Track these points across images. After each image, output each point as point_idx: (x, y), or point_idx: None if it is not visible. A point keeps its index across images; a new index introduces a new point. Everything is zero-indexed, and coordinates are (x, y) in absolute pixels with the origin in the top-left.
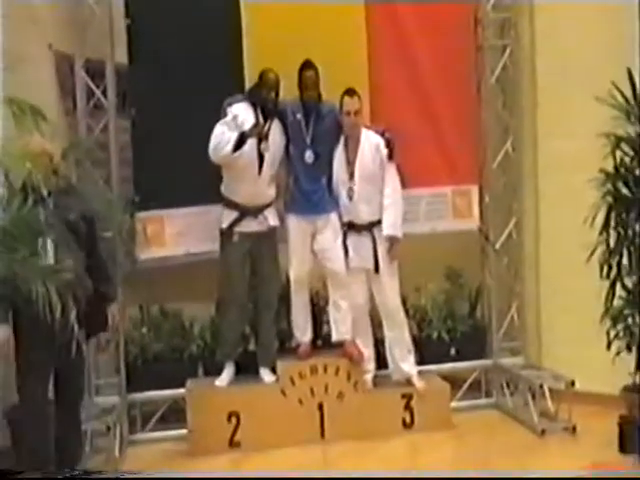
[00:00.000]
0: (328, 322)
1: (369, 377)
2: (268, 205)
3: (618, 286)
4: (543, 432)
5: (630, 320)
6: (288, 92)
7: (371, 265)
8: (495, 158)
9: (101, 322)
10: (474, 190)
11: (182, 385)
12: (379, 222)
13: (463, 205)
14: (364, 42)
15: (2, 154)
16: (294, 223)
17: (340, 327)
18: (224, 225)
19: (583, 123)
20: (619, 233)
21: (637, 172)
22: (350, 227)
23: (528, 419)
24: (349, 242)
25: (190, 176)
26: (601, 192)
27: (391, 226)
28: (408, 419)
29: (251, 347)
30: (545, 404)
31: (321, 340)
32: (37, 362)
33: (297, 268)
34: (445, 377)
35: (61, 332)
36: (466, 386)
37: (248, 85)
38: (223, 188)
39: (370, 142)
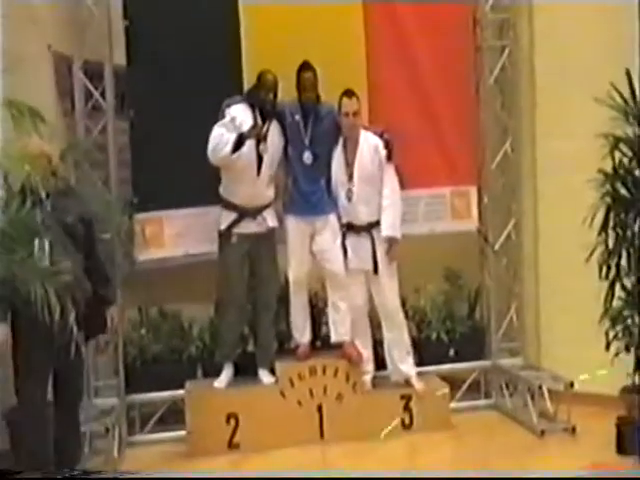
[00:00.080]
0: (327, 323)
1: (368, 378)
2: (267, 206)
3: (617, 287)
4: (542, 433)
5: (629, 321)
6: (286, 93)
7: (370, 266)
8: (494, 159)
9: (100, 324)
10: (473, 191)
11: (181, 386)
12: (378, 223)
13: (462, 206)
14: (362, 43)
15: (1, 156)
16: (293, 224)
17: (339, 328)
18: (223, 226)
19: (582, 124)
20: (618, 234)
21: (636, 173)
22: (349, 228)
23: (527, 420)
24: (348, 243)
25: (189, 177)
26: (600, 193)
27: (390, 227)
28: (407, 420)
29: (250, 348)
30: (544, 405)
31: (320, 341)
32: (36, 363)
33: (296, 269)
34: (444, 378)
35: (60, 333)
36: (465, 387)
37: (246, 86)
38: (222, 189)
39: (369, 143)
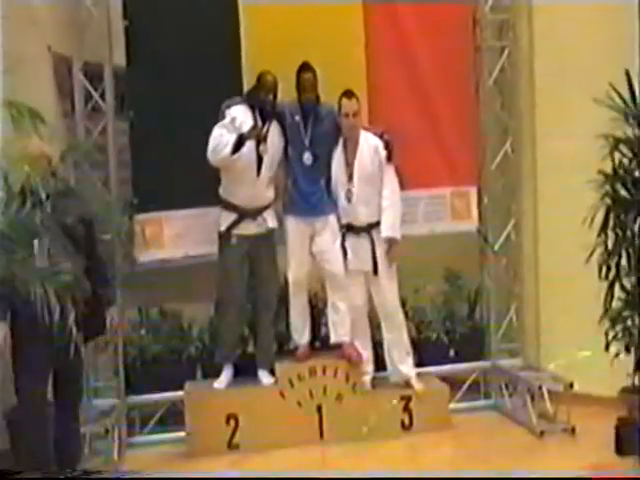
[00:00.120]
0: (327, 324)
1: (368, 379)
2: (267, 207)
3: (617, 287)
4: (542, 433)
5: (629, 321)
6: (286, 94)
7: (370, 267)
8: (494, 159)
9: (99, 325)
10: (473, 191)
11: (181, 387)
12: (378, 224)
13: (462, 206)
14: (362, 43)
15: (1, 157)
16: (293, 225)
17: (339, 329)
18: (222, 227)
19: (582, 124)
20: (617, 234)
21: (635, 174)
22: (349, 229)
23: (527, 420)
24: (348, 244)
25: (189, 178)
26: (600, 193)
27: (390, 228)
28: (407, 421)
29: (250, 349)
30: (544, 405)
31: (320, 342)
32: (35, 363)
33: (296, 270)
34: (444, 378)
35: (59, 334)
36: (465, 387)
37: (246, 87)
38: (221, 190)
39: (369, 144)
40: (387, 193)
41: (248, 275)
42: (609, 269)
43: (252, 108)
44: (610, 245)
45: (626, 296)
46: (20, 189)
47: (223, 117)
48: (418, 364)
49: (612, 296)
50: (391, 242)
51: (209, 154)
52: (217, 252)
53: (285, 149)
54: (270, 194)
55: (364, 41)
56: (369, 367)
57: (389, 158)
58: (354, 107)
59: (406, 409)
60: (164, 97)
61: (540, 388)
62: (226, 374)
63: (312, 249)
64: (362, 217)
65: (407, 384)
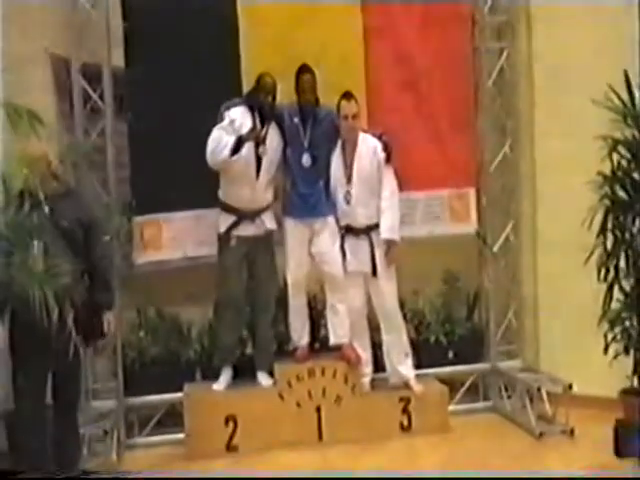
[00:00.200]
0: (326, 325)
1: (367, 380)
2: (265, 209)
3: (616, 289)
4: (541, 435)
5: (627, 323)
6: (285, 96)
7: (369, 268)
8: (492, 161)
9: (97, 330)
10: (471, 193)
11: (179, 389)
12: (376, 225)
13: (461, 208)
14: (361, 45)
15: (0, 158)
16: (291, 226)
17: (338, 330)
18: (221, 229)
19: (580, 126)
20: (616, 236)
21: (634, 175)
22: (347, 230)
23: (526, 422)
24: (347, 245)
25: (187, 180)
26: (598, 195)
27: (389, 229)
28: (406, 422)
29: (248, 351)
30: (543, 407)
31: (319, 343)
32: (34, 365)
33: (294, 271)
34: (443, 380)
35: (58, 336)
36: (464, 389)
37: (245, 89)
38: (220, 192)
39: (367, 145)
40: (386, 195)
41: (247, 276)
42: (608, 271)
43: (251, 110)
44: (609, 247)
45: (625, 298)
46: (19, 191)
47: (222, 119)
48: (417, 366)
49: (611, 298)
50: (390, 244)
51: (208, 156)
52: (216, 254)
53: (284, 151)
54: (269, 196)
55: (363, 42)
56: (368, 368)
57: (388, 159)
58: (353, 109)
59: (405, 411)
60: (163, 98)
61: (539, 390)
62: (225, 376)
63: (311, 251)
64: (361, 219)
65: (406, 386)
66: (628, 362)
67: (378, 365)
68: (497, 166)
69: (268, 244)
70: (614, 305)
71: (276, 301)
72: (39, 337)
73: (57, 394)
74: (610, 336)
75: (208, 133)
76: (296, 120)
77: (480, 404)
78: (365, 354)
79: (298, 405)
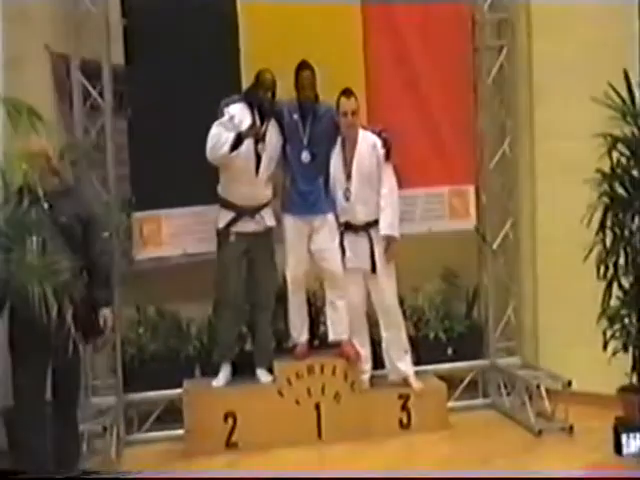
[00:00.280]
0: (325, 322)
1: (366, 377)
2: (265, 205)
3: (615, 286)
4: (540, 432)
5: (626, 320)
6: (285, 92)
7: (368, 265)
8: (492, 158)
9: (97, 327)
10: (471, 190)
11: (179, 386)
12: (376, 222)
13: (460, 205)
14: (361, 42)
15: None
16: (291, 223)
17: (337, 327)
18: (221, 225)
19: (580, 123)
20: (615, 233)
21: (633, 173)
22: (347, 227)
23: (525, 419)
24: (346, 242)
25: (187, 176)
26: (598, 192)
27: (388, 226)
28: (405, 419)
29: (248, 347)
30: (542, 404)
31: (318, 340)
32: (33, 362)
33: (294, 268)
34: (442, 377)
35: (57, 332)
36: (463, 386)
37: (245, 86)
38: (220, 188)
39: (367, 142)
40: (385, 192)
41: (246, 273)
42: (607, 268)
43: (251, 106)
44: (608, 244)
45: (624, 295)
46: (19, 187)
47: (222, 115)
48: (416, 363)
49: (610, 295)
50: (389, 240)
51: (208, 152)
52: (215, 250)
53: (283, 147)
54: (268, 192)
55: (362, 40)
56: (367, 365)
57: (387, 156)
58: (353, 106)
59: (404, 408)
60: (163, 95)
61: (538, 387)
62: (224, 372)
63: (310, 247)
64: (360, 215)
65: (405, 382)
66: (627, 359)
67: (377, 362)
68: (496, 163)
69: (267, 241)
70: (613, 302)
71: (275, 298)
72: (38, 334)
73: (56, 391)
74: (609, 333)
75: (208, 130)
76: (295, 117)
77: (479, 401)
78: (364, 351)
79: (297, 402)
